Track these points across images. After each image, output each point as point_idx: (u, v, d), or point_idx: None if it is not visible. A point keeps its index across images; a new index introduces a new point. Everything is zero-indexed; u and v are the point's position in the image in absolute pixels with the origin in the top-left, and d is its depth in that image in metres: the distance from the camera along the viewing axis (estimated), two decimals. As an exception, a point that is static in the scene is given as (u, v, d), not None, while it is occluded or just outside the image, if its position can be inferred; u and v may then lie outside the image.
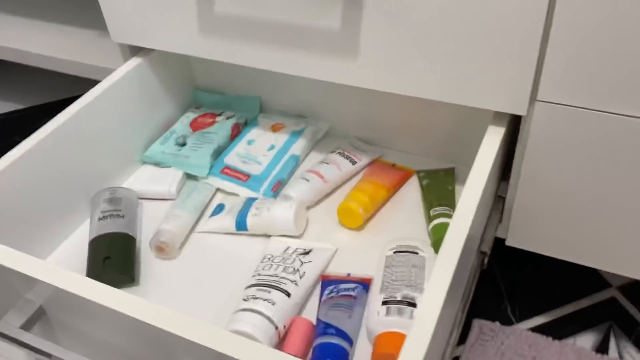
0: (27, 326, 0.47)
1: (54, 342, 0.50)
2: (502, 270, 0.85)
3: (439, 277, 0.45)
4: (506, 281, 0.84)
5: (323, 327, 0.55)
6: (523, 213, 0.65)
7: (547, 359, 0.78)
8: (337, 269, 0.64)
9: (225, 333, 0.41)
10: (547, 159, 0.59)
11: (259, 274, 0.60)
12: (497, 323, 0.78)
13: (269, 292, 0.57)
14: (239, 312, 0.55)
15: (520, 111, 0.57)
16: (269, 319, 0.54)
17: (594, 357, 0.77)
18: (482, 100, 0.58)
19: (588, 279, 0.87)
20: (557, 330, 0.83)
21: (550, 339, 0.80)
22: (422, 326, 0.41)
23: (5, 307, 0.51)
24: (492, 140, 0.58)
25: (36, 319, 0.48)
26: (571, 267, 0.80)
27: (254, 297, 0.56)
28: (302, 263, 0.62)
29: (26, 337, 0.46)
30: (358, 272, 0.63)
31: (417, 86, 0.60)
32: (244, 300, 0.57)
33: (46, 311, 0.49)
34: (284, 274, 0.60)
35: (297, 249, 0.65)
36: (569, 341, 0.81)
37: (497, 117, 0.60)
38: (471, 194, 0.52)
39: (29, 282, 0.47)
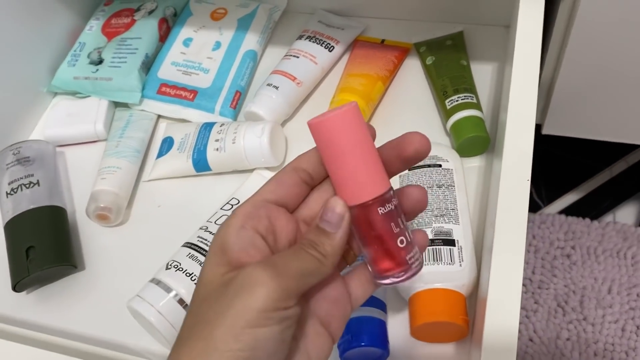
0: None
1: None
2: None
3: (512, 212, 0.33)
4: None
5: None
6: (564, 95, 0.50)
7: (588, 246, 0.67)
8: (337, 202, 0.49)
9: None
10: (605, 23, 0.42)
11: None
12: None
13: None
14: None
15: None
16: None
17: (643, 234, 0.66)
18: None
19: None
20: (593, 207, 0.71)
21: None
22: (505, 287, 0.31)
23: None
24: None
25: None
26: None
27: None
28: (293, 207, 0.46)
29: None
30: (366, 201, 0.48)
31: None
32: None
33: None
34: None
35: (280, 184, 0.49)
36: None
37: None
38: (526, 78, 0.37)
39: None
